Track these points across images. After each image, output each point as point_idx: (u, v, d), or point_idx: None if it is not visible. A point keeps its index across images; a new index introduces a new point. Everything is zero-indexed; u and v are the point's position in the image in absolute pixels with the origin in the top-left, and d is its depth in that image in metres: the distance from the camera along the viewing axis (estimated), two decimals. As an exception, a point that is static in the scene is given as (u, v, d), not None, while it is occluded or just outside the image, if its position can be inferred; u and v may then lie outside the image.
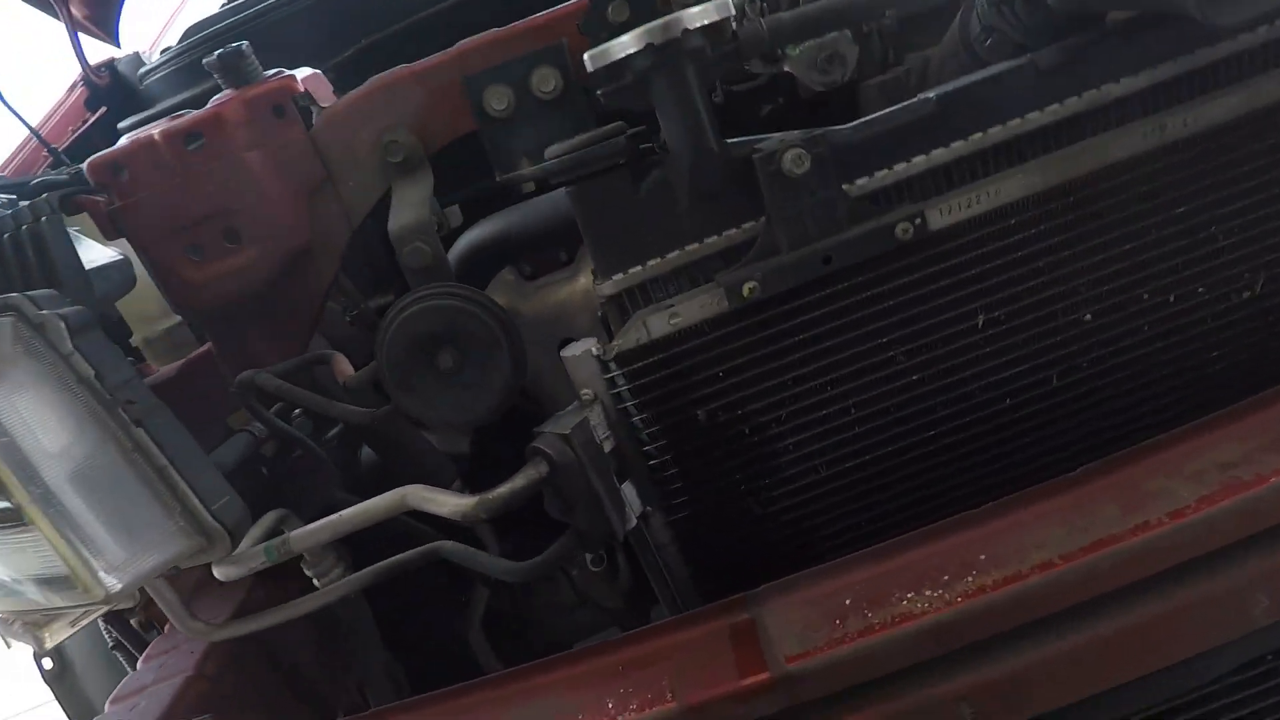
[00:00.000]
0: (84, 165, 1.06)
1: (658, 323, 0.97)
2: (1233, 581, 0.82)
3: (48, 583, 0.82)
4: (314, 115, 1.12)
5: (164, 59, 1.92)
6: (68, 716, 1.90)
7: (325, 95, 1.15)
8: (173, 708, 1.13)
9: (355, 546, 1.13)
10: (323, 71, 1.20)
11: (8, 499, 0.77)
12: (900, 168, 0.95)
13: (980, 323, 0.99)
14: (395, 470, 1.22)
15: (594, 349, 0.98)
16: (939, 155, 0.95)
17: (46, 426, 0.78)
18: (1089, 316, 1.00)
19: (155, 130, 1.04)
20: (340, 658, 1.42)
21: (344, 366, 1.12)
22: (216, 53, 1.05)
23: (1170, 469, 0.87)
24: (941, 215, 0.95)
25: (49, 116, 2.11)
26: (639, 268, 0.98)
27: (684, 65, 0.88)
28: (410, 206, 1.03)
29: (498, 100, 1.05)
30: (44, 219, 0.98)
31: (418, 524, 1.20)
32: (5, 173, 1.85)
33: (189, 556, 0.84)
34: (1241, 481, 0.81)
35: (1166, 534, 0.80)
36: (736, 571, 1.00)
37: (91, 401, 0.81)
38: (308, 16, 1.66)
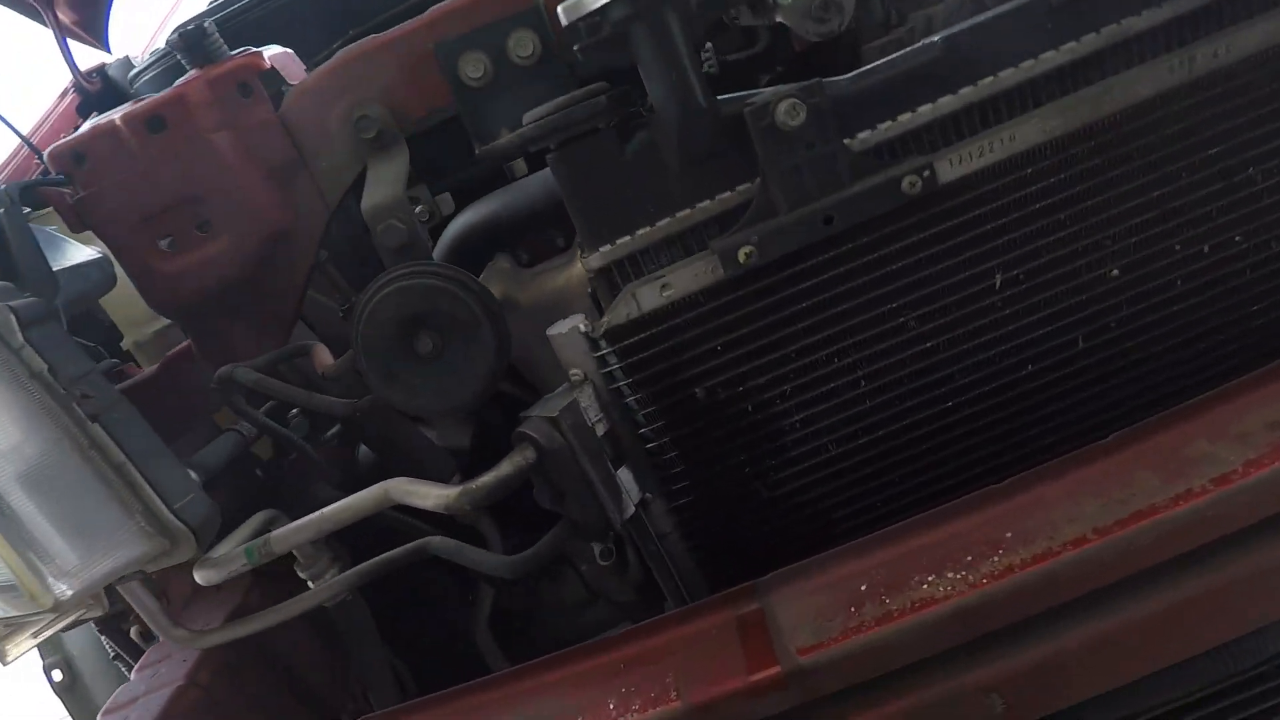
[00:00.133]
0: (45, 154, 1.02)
1: (649, 295, 0.91)
2: (1287, 551, 0.76)
3: (-5, 590, 0.78)
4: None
5: (151, 59, 1.89)
6: (79, 729, 1.89)
7: (296, 74, 1.11)
8: (164, 719, 1.09)
9: (357, 548, 1.09)
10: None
11: (-51, 503, 0.72)
12: (905, 118, 0.89)
13: (997, 282, 0.93)
14: (391, 467, 1.17)
15: (581, 326, 0.92)
16: (946, 103, 0.89)
17: (-6, 424, 0.74)
18: (1116, 272, 0.94)
19: (116, 115, 0.99)
20: (342, 661, 1.38)
21: (324, 357, 1.07)
22: (177, 31, 1.00)
23: (1213, 432, 0.81)
24: (952, 166, 0.89)
25: (40, 123, 2.09)
26: (627, 238, 0.92)
27: (665, 13, 0.82)
28: (384, 183, 0.98)
29: (473, 68, 0.99)
30: (2, 211, 0.93)
31: (415, 521, 1.15)
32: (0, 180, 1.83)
33: (152, 559, 0.79)
34: (1293, 442, 0.76)
35: (1212, 502, 0.76)
36: (743, 559, 0.97)
37: (44, 397, 0.76)
38: (294, 10, 1.63)
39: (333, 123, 1.03)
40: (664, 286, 0.92)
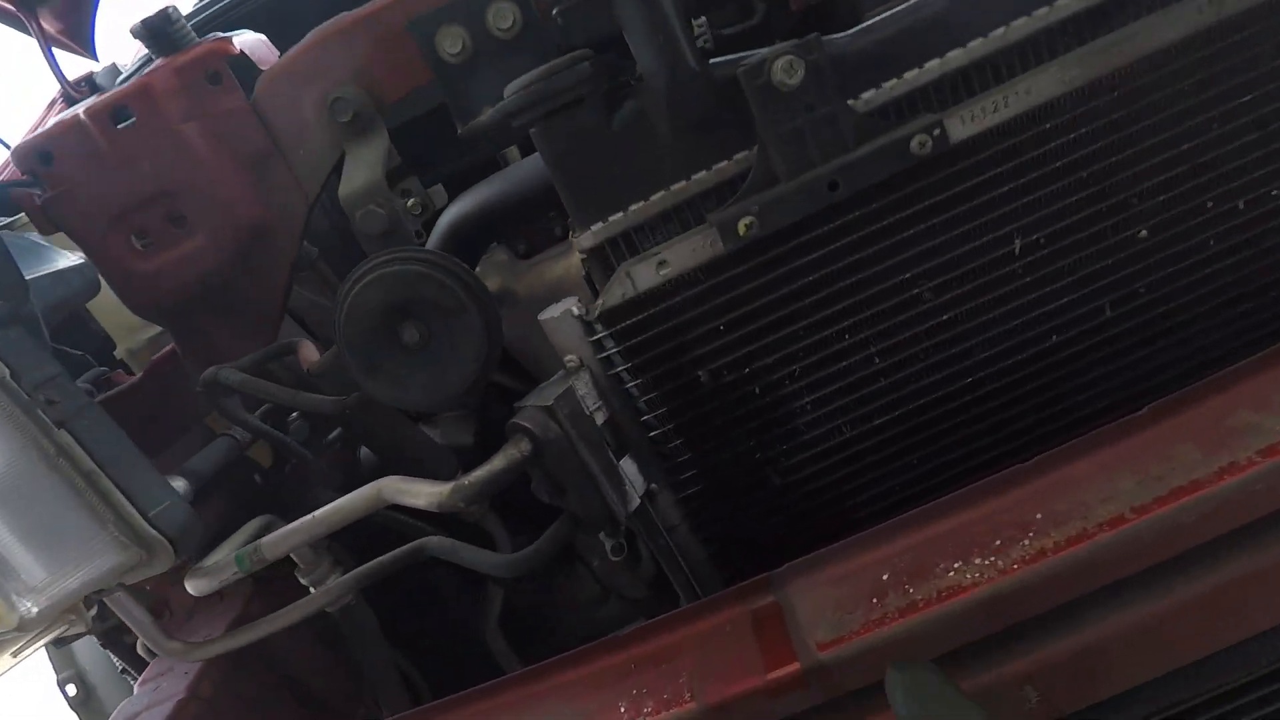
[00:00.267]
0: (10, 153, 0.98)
1: (645, 274, 0.87)
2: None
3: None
4: (259, 83, 1.02)
5: (137, 64, 1.86)
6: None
7: (269, 61, 1.06)
8: (166, 732, 1.06)
9: (365, 553, 1.05)
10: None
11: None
12: (911, 75, 0.84)
13: (1017, 248, 0.88)
14: (390, 468, 1.13)
15: (575, 309, 0.87)
16: (955, 58, 0.84)
17: (-48, 434, 0.70)
18: (1144, 233, 0.89)
19: (80, 109, 0.95)
20: (353, 668, 1.36)
21: (309, 353, 1.03)
22: (141, 19, 0.96)
23: (1257, 400, 0.76)
24: (964, 124, 0.84)
25: (29, 135, 2.05)
26: (620, 214, 0.88)
27: (649, -31, 0.76)
28: (362, 168, 0.93)
29: (451, 43, 0.94)
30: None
31: (418, 522, 1.11)
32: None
33: (129, 570, 0.75)
34: (1347, 407, 0.71)
35: (1259, 475, 0.71)
36: (756, 550, 0.93)
37: (7, 403, 0.72)
38: (279, 6, 1.58)
39: (307, 108, 0.98)
40: (661, 264, 0.87)
